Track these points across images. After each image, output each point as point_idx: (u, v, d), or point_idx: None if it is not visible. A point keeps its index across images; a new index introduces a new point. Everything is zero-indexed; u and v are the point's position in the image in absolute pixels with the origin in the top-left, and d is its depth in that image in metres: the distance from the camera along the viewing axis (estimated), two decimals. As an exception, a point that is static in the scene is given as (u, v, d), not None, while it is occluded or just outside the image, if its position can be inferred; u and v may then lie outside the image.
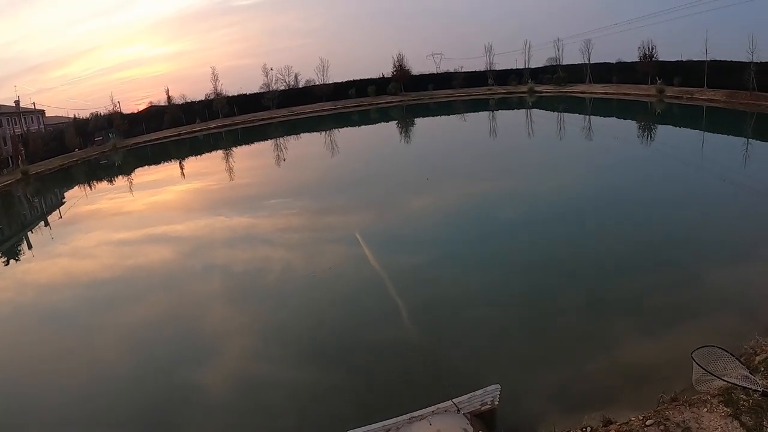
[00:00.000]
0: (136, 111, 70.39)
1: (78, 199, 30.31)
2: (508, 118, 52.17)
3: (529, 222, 18.01)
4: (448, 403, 7.71)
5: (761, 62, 37.58)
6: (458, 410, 7.70)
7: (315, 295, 13.97)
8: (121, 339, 12.56)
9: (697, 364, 7.28)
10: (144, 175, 40.55)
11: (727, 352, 7.42)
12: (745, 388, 7.07)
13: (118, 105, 68.74)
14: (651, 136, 34.76)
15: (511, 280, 13.69)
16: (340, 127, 57.68)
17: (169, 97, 71.92)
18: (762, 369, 7.87)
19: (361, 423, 7.39)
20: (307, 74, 79.87)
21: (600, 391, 8.68)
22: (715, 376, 7.23)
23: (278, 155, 42.85)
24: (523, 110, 54.80)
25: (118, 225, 23.74)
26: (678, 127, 38.24)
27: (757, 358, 8.38)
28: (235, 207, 24.69)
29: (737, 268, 12.74)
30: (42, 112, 65.33)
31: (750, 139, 29.51)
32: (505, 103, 58.82)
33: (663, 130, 37.12)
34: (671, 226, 16.41)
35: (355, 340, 11.35)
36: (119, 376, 10.84)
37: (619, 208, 18.73)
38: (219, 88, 73.24)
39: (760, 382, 7.18)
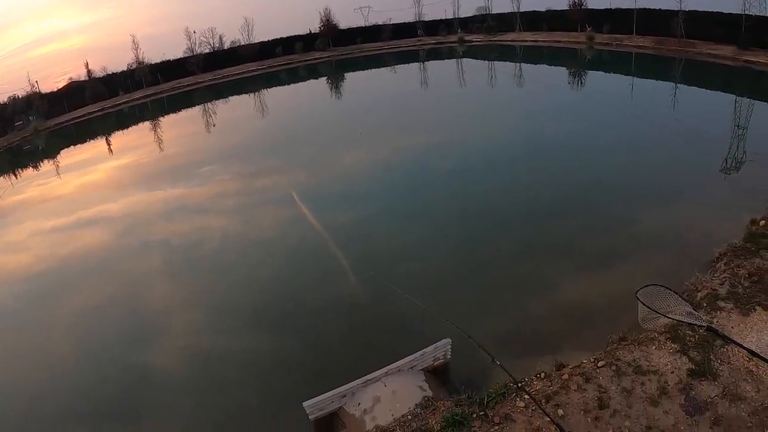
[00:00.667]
0: (56, 89, 65.86)
1: (4, 191, 28.81)
2: (439, 68, 52.12)
3: (463, 171, 18.42)
4: (402, 361, 7.74)
5: (689, 10, 38.64)
6: (412, 368, 7.77)
7: (257, 261, 14.08)
8: (68, 329, 12.31)
9: (642, 303, 7.79)
10: (71, 156, 38.54)
11: (671, 290, 7.94)
12: (690, 324, 7.45)
13: (36, 85, 64.20)
14: (581, 83, 35.47)
15: (449, 230, 14.06)
16: (269, 87, 56.36)
17: (89, 71, 67.74)
18: (705, 305, 8.16)
19: (317, 390, 7.43)
20: (232, 35, 77.06)
21: (549, 336, 9.01)
22: (660, 314, 7.55)
23: (207, 121, 41.61)
24: (454, 60, 54.78)
25: (49, 212, 22.69)
26: (608, 73, 39.10)
27: (699, 294, 8.66)
28: (168, 179, 24.09)
29: (670, 210, 13.39)
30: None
31: (678, 84, 30.43)
32: (436, 54, 58.60)
33: (593, 77, 37.98)
34: (603, 171, 17.08)
35: (302, 304, 11.46)
36: (71, 367, 10.74)
37: (551, 154, 19.30)
38: (141, 57, 69.71)
39: (704, 318, 7.63)
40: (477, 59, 51.94)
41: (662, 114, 22.94)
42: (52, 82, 68.22)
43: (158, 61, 71.28)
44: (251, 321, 11.19)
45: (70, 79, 68.00)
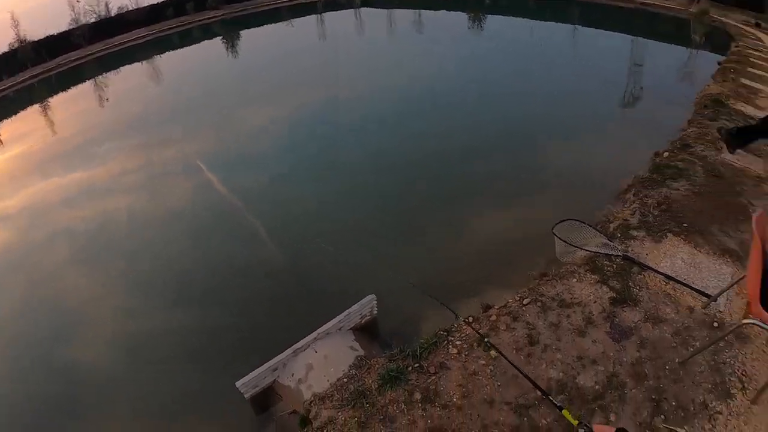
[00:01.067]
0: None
1: None
2: (337, 19, 51.21)
3: (370, 124, 18.64)
4: (329, 324, 7.66)
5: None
6: (339, 329, 7.74)
7: (170, 237, 13.83)
8: None
9: (559, 237, 8.16)
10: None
11: (585, 223, 8.39)
12: (606, 254, 7.85)
13: None
14: (481, 26, 36.03)
15: (362, 185, 14.32)
16: (162, 53, 53.69)
17: (-35, 59, 62.10)
18: (618, 235, 8.57)
19: (249, 365, 7.34)
20: (120, 1, 72.35)
21: (473, 280, 9.36)
22: (577, 247, 7.94)
23: (100, 96, 39.34)
24: (353, 10, 54.02)
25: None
26: (507, 17, 39.87)
27: (612, 225, 9.05)
28: (66, 163, 22.63)
29: (576, 147, 14.24)
30: None
31: (576, 26, 31.78)
32: (334, 5, 57.50)
33: (492, 21, 38.45)
34: (510, 114, 17.77)
35: (222, 276, 11.43)
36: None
37: (455, 101, 19.77)
38: (22, 35, 64.38)
39: (619, 247, 8.06)
40: (376, 8, 51.42)
41: (564, 56, 23.89)
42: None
43: (41, 38, 66.26)
44: (173, 299, 11.10)
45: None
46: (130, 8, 70.16)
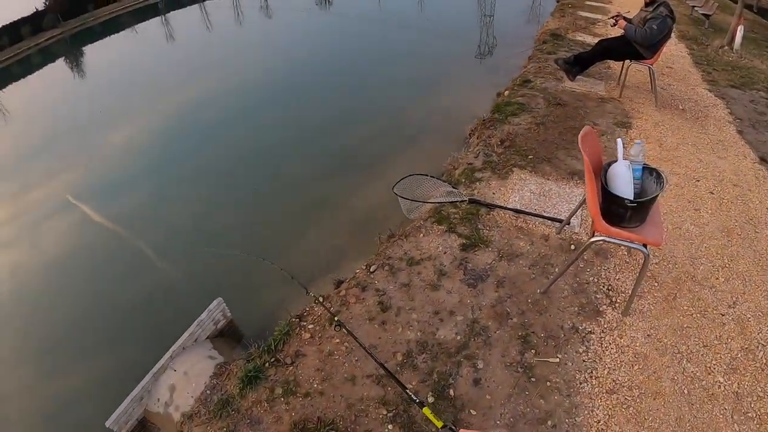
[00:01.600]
0: None
1: None
2: (182, 17, 49.40)
3: (229, 119, 18.76)
4: (181, 338, 7.23)
5: None
6: (195, 341, 7.39)
7: (54, 283, 13.17)
8: None
9: (399, 196, 7.95)
10: None
11: (427, 175, 8.31)
12: (451, 202, 7.67)
13: None
14: (329, 2, 36.39)
15: (230, 185, 14.42)
16: (2, 88, 49.91)
17: None
18: (463, 180, 8.48)
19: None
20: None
21: (326, 259, 9.36)
22: (420, 201, 7.75)
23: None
24: (197, 5, 52.07)
25: None
26: None
27: (456, 172, 8.98)
28: None
29: (430, 103, 15.03)
30: None
31: None
32: (176, 3, 55.28)
33: None
34: (366, 81, 18.41)
35: (134, 310, 11.03)
36: None
37: (313, 77, 20.44)
38: None
39: (464, 192, 7.96)
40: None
41: (413, 18, 24.60)
42: None
43: None
44: (92, 349, 10.48)
45: None
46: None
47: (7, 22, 65.09)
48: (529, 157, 8.90)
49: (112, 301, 11.46)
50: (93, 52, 49.37)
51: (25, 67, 55.10)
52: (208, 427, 5.86)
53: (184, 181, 15.58)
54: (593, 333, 5.50)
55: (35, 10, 65.85)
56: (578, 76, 12.93)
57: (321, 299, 6.87)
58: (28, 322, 12.45)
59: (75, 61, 47.58)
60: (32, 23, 63.52)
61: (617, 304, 5.82)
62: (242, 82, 22.55)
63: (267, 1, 42.42)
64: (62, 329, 11.75)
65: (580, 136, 4.97)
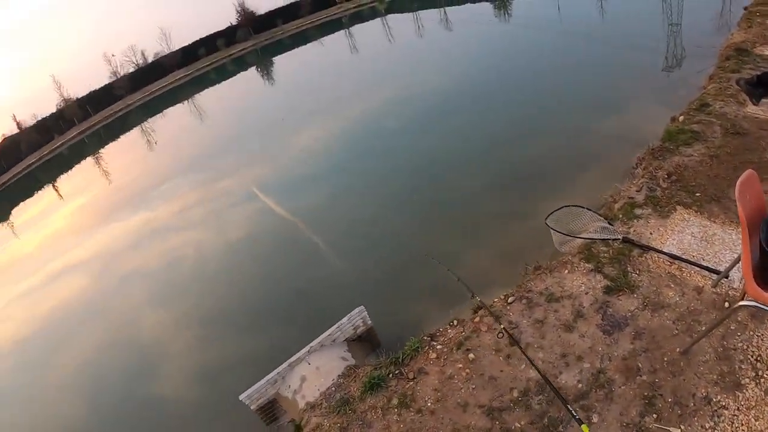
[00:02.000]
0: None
1: None
2: (365, 30, 51.74)
3: (415, 127, 18.73)
4: (321, 337, 7.80)
5: None
6: (333, 341, 7.89)
7: (236, 265, 14.23)
8: (71, 385, 12.21)
9: (551, 228, 7.56)
10: (23, 213, 37.52)
11: (583, 207, 7.67)
12: (604, 240, 7.09)
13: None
14: (507, 13, 35.43)
15: (409, 191, 14.30)
16: (201, 91, 55.45)
17: (18, 124, 65.53)
18: (620, 216, 7.76)
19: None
20: (154, 48, 75.10)
21: (469, 278, 8.52)
22: (571, 236, 7.27)
23: (148, 140, 41.25)
24: (378, 19, 54.28)
25: (18, 275, 22.20)
26: None
27: (616, 206, 8.28)
28: (128, 207, 23.96)
29: (610, 122, 13.55)
30: None
31: None
32: (359, 17, 57.98)
33: (518, 4, 37.77)
34: (545, 95, 17.28)
35: (288, 295, 11.61)
36: (82, 421, 10.72)
37: (492, 89, 19.73)
38: (66, 94, 67.44)
39: (619, 230, 7.32)
40: (401, 13, 51.45)
41: (595, 28, 23.12)
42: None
43: (84, 94, 69.28)
44: (247, 326, 11.31)
45: (4, 135, 65.47)
46: (165, 53, 72.97)
47: (205, 35, 72.91)
48: (697, 194, 7.72)
49: (272, 288, 12.31)
50: (281, 62, 53.48)
51: (220, 73, 61.11)
52: (326, 420, 6.35)
53: (357, 185, 16.10)
54: (727, 408, 4.68)
55: (230, 25, 73.15)
56: (763, 99, 10.78)
57: (455, 322, 6.97)
58: (201, 292, 13.84)
59: (265, 69, 51.79)
60: (227, 36, 70.77)
61: (763, 380, 4.84)
62: (418, 94, 22.75)
63: (446, 14, 42.38)
64: (225, 303, 12.87)
65: (738, 181, 4.06)
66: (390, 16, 52.06)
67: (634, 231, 7.25)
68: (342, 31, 54.95)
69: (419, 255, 10.00)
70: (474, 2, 44.71)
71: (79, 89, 70.55)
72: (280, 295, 11.79)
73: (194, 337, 11.74)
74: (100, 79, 72.00)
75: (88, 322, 14.85)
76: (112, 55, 70.50)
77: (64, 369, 13.07)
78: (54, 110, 67.38)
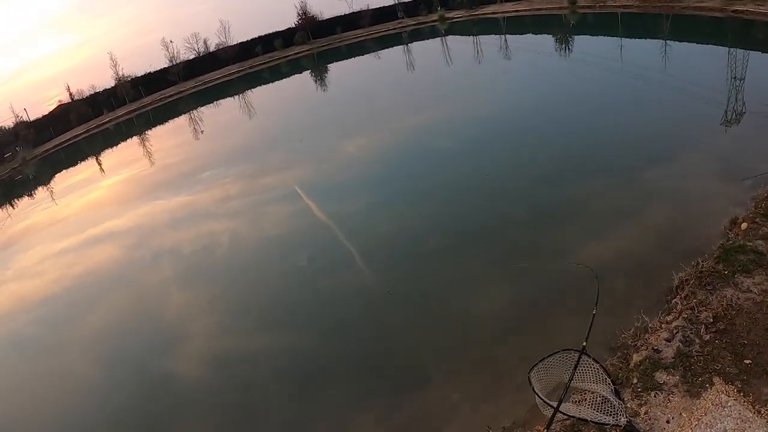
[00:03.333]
0: (41, 116, 64.82)
1: (3, 222, 28.74)
2: (423, 49, 51.76)
3: (464, 148, 18.41)
4: None
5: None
6: None
7: (267, 259, 14.17)
8: (89, 347, 12.35)
9: (534, 389, 5.37)
10: (66, 179, 38.33)
11: (584, 353, 5.40)
12: (599, 424, 5.20)
13: (24, 113, 63.37)
14: (569, 49, 34.96)
15: (455, 210, 13.91)
16: (253, 88, 56.05)
17: (71, 94, 67.20)
18: (635, 379, 5.90)
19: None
20: (212, 39, 76.50)
21: None
22: (556, 409, 5.13)
23: (196, 128, 41.57)
24: (438, 39, 54.29)
25: (57, 234, 22.71)
26: (594, 36, 38.41)
27: (634, 358, 6.34)
28: (170, 188, 24.15)
29: (660, 186, 12.00)
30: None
31: (667, 41, 29.25)
32: (418, 35, 58.08)
33: (580, 41, 37.14)
34: (596, 140, 16.40)
35: (317, 299, 11.38)
36: (95, 383, 10.79)
37: (544, 124, 19.04)
38: (121, 73, 68.95)
39: (625, 407, 5.27)
40: (461, 35, 51.40)
41: (655, 72, 22.50)
42: (40, 109, 66.47)
43: (139, 75, 70.71)
44: (269, 320, 11.24)
45: (60, 102, 67.10)
46: (224, 45, 74.14)
47: (264, 33, 73.91)
48: (746, 361, 5.65)
49: (298, 287, 12.11)
50: (336, 69, 53.70)
51: (274, 73, 61.73)
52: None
53: (399, 199, 15.75)
54: None
55: (289, 27, 73.98)
56: None
57: None
58: (229, 281, 13.61)
59: (319, 75, 51.98)
60: (285, 37, 71.51)
61: None
62: (470, 118, 22.29)
63: (507, 42, 42.07)
64: (250, 296, 12.62)
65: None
66: (450, 38, 51.97)
67: (646, 414, 5.42)
68: (400, 47, 55.10)
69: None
70: (536, 33, 44.41)
71: (134, 69, 72.18)
72: (305, 296, 11.62)
73: (214, 323, 11.67)
74: (155, 62, 73.61)
75: (115, 290, 15.07)
76: (170, 41, 71.86)
77: (83, 329, 13.38)
78: (107, 87, 68.88)
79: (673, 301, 7.23)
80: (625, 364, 6.27)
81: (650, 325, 6.84)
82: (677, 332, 6.31)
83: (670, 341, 6.22)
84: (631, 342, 6.69)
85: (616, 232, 10.40)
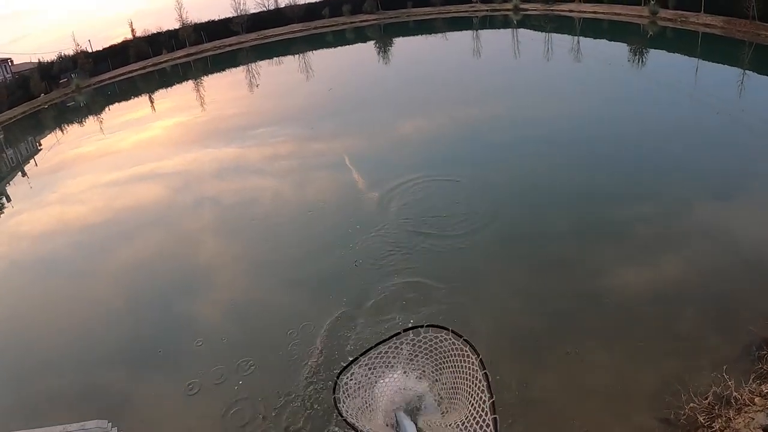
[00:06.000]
0: (102, 48, 65.72)
1: (51, 147, 29.54)
2: (492, 37, 50.35)
3: (513, 147, 17.87)
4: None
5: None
6: None
7: (304, 225, 13.91)
8: (118, 279, 12.75)
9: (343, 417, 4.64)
10: (117, 114, 38.94)
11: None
12: None
13: (88, 44, 64.46)
14: (642, 61, 33.51)
15: (490, 205, 13.37)
16: (315, 50, 55.55)
17: (133, 31, 67.77)
18: None
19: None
20: (284, -1, 75.82)
21: None
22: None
23: (253, 82, 41.63)
24: (509, 30, 52.81)
25: (107, 166, 23.11)
26: (671, 53, 36.12)
27: None
28: (221, 139, 24.06)
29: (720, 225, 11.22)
30: (7, 60, 60.57)
31: (746, 71, 27.46)
32: (489, 22, 56.56)
33: (655, 56, 35.10)
34: (651, 164, 15.35)
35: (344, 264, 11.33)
36: (118, 314, 11.15)
37: (599, 137, 18.25)
38: (185, 17, 69.20)
39: None
40: (533, 30, 49.83)
41: (728, 102, 21.19)
42: (105, 44, 67.24)
43: (203, 21, 70.89)
44: (294, 279, 11.23)
45: (125, 38, 67.77)
46: (291, 4, 73.73)
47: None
48: None
49: (329, 256, 11.85)
50: (402, 44, 52.63)
51: (339, 39, 61.12)
52: None
53: (443, 187, 15.09)
54: None
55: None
56: None
57: None
58: (263, 238, 13.64)
59: (383, 47, 51.12)
60: (353, 3, 70.32)
61: None
62: (528, 118, 21.29)
63: (579, 44, 40.52)
64: (281, 256, 12.49)
65: None
66: (522, 30, 50.31)
67: None
68: (469, 32, 53.61)
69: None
70: (610, 40, 42.71)
71: (199, 16, 72.29)
72: (336, 264, 11.39)
73: (242, 273, 11.84)
74: (224, 12, 73.43)
75: (152, 228, 15.43)
76: (238, -9, 71.56)
77: (116, 260, 13.74)
78: (169, 29, 69.25)
79: (758, 354, 5.21)
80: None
81: (735, 395, 4.57)
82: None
83: (752, 418, 3.94)
84: (704, 420, 4.53)
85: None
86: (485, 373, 4.16)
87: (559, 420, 6.22)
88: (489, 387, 4.02)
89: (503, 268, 10.65)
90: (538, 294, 9.46)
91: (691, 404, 4.95)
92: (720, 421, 4.33)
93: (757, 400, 4.34)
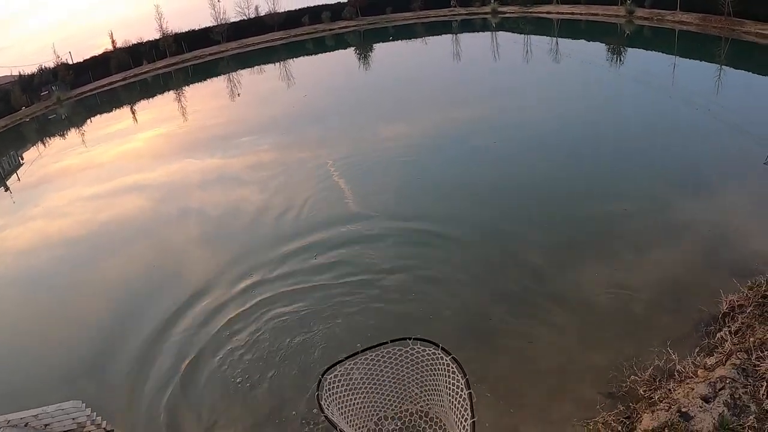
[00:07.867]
0: (82, 60, 65.35)
1: (33, 161, 29.44)
2: (472, 41, 50.72)
3: (494, 150, 18.01)
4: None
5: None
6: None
7: (290, 233, 13.82)
8: (101, 290, 12.90)
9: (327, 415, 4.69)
10: (100, 126, 38.99)
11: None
12: None
13: (69, 56, 64.00)
14: (620, 60, 33.94)
15: (470, 206, 13.69)
16: (295, 57, 55.69)
17: (113, 42, 67.42)
18: None
19: None
20: (265, 7, 75.89)
21: None
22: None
23: (234, 92, 41.63)
24: (488, 33, 53.24)
25: (88, 179, 23.07)
26: (648, 51, 36.83)
27: (646, 419, 4.46)
28: (204, 149, 24.11)
29: (694, 213, 11.67)
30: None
31: (723, 66, 27.99)
32: (468, 25, 56.97)
33: (633, 54, 35.56)
34: (631, 159, 15.70)
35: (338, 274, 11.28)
36: (104, 328, 11.13)
37: (580, 135, 18.61)
38: (165, 28, 68.92)
39: None
40: (512, 32, 50.26)
41: (705, 97, 21.55)
42: (86, 55, 66.82)
43: (183, 31, 70.63)
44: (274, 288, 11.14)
45: (106, 49, 67.40)
46: (270, 12, 73.63)
47: (312, 4, 73.08)
48: None
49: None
50: (382, 50, 52.76)
51: (318, 45, 61.28)
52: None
53: (430, 191, 15.44)
54: None
55: (339, 1, 72.92)
56: None
57: None
58: (250, 248, 13.33)
59: (363, 53, 51.27)
60: (333, 11, 70.43)
61: None
62: (510, 120, 21.61)
63: (558, 45, 40.91)
64: (266, 262, 12.36)
65: None
66: (501, 33, 50.86)
67: None
68: (449, 36, 54.20)
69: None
70: (589, 40, 43.17)
71: (179, 25, 72.03)
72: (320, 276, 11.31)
73: (226, 285, 11.57)
74: (203, 22, 73.14)
75: (135, 240, 15.47)
76: (218, 1, 71.39)
77: (99, 272, 13.86)
78: (150, 39, 68.95)
79: (719, 334, 5.21)
80: (627, 429, 4.05)
81: (679, 367, 4.74)
82: (722, 388, 4.05)
83: (709, 401, 3.92)
84: (644, 392, 4.70)
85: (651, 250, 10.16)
86: (470, 393, 4.32)
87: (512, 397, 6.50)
88: (472, 407, 4.20)
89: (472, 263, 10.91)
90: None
91: (632, 377, 5.24)
92: (660, 392, 4.59)
93: (700, 372, 4.57)
